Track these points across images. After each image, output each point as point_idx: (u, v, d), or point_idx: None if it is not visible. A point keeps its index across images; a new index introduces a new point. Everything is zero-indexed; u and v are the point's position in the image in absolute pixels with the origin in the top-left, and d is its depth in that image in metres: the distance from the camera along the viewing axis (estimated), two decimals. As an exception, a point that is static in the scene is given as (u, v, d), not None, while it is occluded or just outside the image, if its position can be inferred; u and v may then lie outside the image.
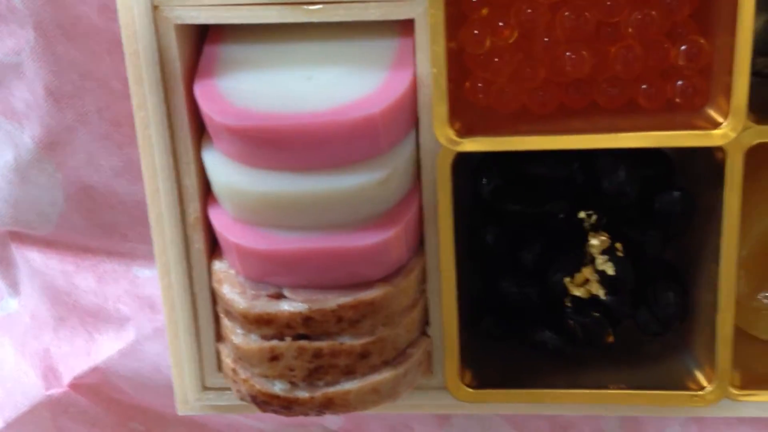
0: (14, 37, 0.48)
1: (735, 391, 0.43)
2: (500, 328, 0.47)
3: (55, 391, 0.56)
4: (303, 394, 0.42)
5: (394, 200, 0.40)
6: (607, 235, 0.44)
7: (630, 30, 0.40)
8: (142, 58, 0.40)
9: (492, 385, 0.45)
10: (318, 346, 0.41)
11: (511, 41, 0.41)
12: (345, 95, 0.39)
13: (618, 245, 0.44)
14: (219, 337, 0.45)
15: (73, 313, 0.56)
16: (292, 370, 0.41)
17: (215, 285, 0.43)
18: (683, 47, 0.40)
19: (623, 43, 0.40)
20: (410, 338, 0.43)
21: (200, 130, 0.42)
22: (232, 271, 0.42)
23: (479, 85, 0.42)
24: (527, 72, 0.41)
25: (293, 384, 0.42)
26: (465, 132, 0.40)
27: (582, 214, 0.44)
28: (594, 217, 0.44)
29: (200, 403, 0.46)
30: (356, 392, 0.42)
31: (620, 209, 0.44)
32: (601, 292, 0.44)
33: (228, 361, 0.44)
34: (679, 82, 0.40)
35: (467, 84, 0.42)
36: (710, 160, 0.40)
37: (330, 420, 0.57)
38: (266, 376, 0.42)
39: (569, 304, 0.45)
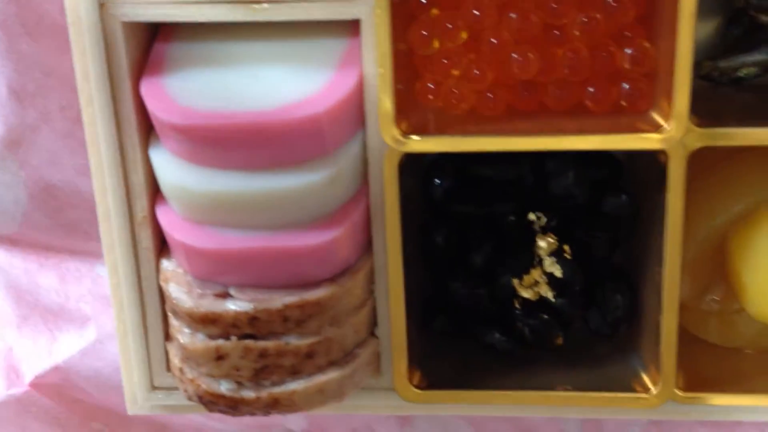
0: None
1: (680, 393, 0.43)
2: (451, 329, 0.47)
3: (16, 390, 0.56)
4: (249, 394, 0.42)
5: (341, 200, 0.41)
6: (555, 237, 0.44)
7: (576, 33, 0.40)
8: (89, 55, 0.40)
9: (442, 386, 0.45)
10: (264, 346, 0.41)
11: (459, 43, 0.41)
12: (291, 94, 0.39)
13: (566, 247, 0.44)
14: (168, 336, 0.44)
15: (35, 311, 0.56)
16: (238, 369, 0.41)
17: (162, 284, 0.43)
18: (628, 51, 0.40)
19: (569, 46, 0.40)
20: (358, 339, 0.43)
21: (148, 128, 0.41)
22: (180, 270, 0.42)
23: (429, 86, 0.42)
24: (476, 73, 0.41)
25: (239, 384, 0.42)
26: (414, 133, 0.41)
27: (532, 216, 0.44)
28: (543, 219, 0.44)
29: (149, 403, 0.46)
30: (302, 392, 0.42)
31: (570, 211, 0.45)
32: (549, 294, 0.45)
33: (176, 360, 0.43)
34: (625, 86, 0.41)
35: (417, 85, 0.43)
36: (655, 164, 0.41)
37: (293, 422, 0.57)
38: (212, 376, 0.42)
39: (518, 306, 0.45)
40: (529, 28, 0.40)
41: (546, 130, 0.40)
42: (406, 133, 0.40)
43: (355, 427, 0.56)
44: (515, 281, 0.44)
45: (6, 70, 0.49)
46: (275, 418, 0.57)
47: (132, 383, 0.46)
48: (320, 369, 0.42)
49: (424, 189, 0.46)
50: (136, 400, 0.46)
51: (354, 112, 0.40)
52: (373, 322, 0.44)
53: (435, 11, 0.41)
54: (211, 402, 0.42)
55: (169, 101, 0.39)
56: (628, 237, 0.45)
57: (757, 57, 0.40)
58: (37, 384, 0.56)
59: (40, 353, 0.56)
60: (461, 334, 0.47)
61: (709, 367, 0.45)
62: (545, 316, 0.45)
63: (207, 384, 0.42)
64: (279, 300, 0.40)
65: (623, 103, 0.41)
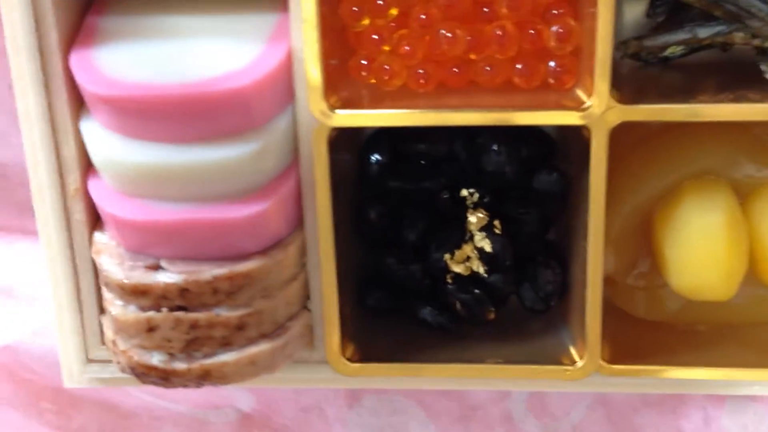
0: None
1: (606, 366, 0.44)
2: (387, 304, 0.48)
3: (-33, 369, 0.56)
4: (180, 365, 0.42)
5: (271, 174, 0.41)
6: (485, 212, 0.45)
7: (504, 10, 0.41)
8: (19, 28, 0.40)
9: (375, 360, 0.46)
10: (194, 318, 0.41)
11: (389, 19, 0.42)
12: (219, 67, 0.39)
13: (496, 222, 0.45)
14: (103, 309, 0.45)
15: (-15, 291, 0.56)
16: (169, 341, 0.42)
17: (94, 256, 0.43)
18: (554, 28, 0.41)
19: (497, 23, 0.41)
20: (290, 311, 0.44)
21: (79, 101, 0.42)
22: (113, 243, 0.43)
23: (362, 62, 0.43)
24: (406, 49, 0.42)
25: (171, 355, 0.42)
26: (345, 108, 0.41)
27: (464, 192, 0.45)
28: (476, 196, 0.45)
29: (85, 376, 0.46)
30: (233, 364, 0.42)
31: (502, 188, 0.45)
32: (481, 270, 0.45)
33: (109, 333, 0.44)
34: (552, 63, 0.41)
35: (351, 61, 0.43)
36: (580, 140, 0.41)
37: (242, 401, 0.57)
38: (144, 348, 0.42)
39: (450, 281, 0.46)
40: (457, 5, 0.41)
41: (472, 106, 0.40)
42: (335, 108, 0.41)
43: (304, 407, 0.57)
44: (447, 256, 0.45)
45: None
46: (225, 398, 0.57)
47: (68, 357, 0.46)
48: (251, 341, 0.42)
49: (359, 165, 0.46)
50: (72, 374, 0.46)
51: (282, 85, 0.40)
52: (306, 296, 0.44)
53: (366, -14, 0.42)
54: (143, 374, 0.43)
55: (97, 73, 0.39)
56: (560, 213, 0.46)
57: (680, 36, 0.41)
58: (-13, 363, 0.56)
59: (-9, 333, 0.56)
60: (397, 310, 0.48)
61: (636, 340, 0.46)
62: (477, 291, 0.46)
63: (139, 356, 0.42)
64: (209, 272, 0.41)
65: (550, 80, 0.42)
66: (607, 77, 0.38)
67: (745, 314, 0.46)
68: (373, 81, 0.43)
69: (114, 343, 0.43)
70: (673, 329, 0.47)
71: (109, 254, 0.42)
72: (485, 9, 0.41)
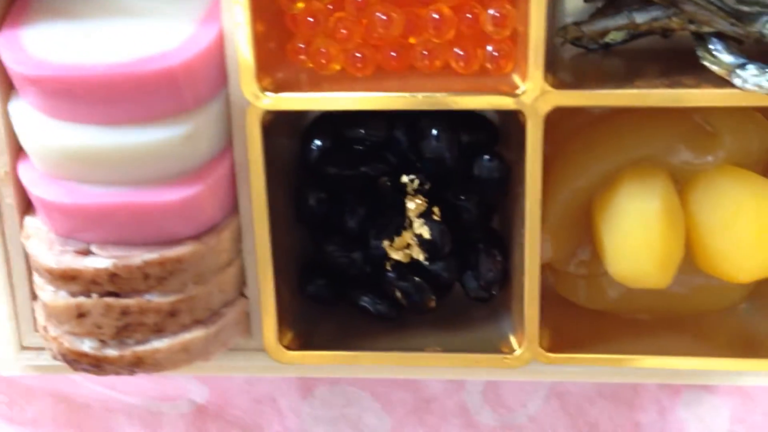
0: None
1: (545, 354, 0.43)
2: (328, 291, 0.47)
3: None
4: (112, 352, 0.41)
5: (204, 157, 0.40)
6: (424, 198, 0.44)
7: (441, -7, 0.40)
8: (-54, 7, 0.39)
9: (315, 348, 0.45)
10: (125, 304, 0.41)
11: (325, 2, 0.41)
12: (149, 48, 0.38)
13: (435, 209, 0.44)
14: (35, 295, 0.44)
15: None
16: (100, 327, 0.41)
17: (24, 240, 0.42)
18: (491, 12, 0.40)
19: (434, 6, 0.41)
20: (225, 298, 0.43)
21: (8, 83, 0.41)
22: (44, 228, 0.42)
23: (300, 45, 0.42)
24: (342, 33, 0.41)
25: (103, 342, 0.41)
26: (281, 91, 0.40)
27: (405, 179, 0.45)
28: (417, 182, 0.45)
29: (19, 364, 0.46)
30: (165, 351, 0.41)
31: (443, 174, 0.45)
32: (422, 257, 0.45)
33: (41, 319, 0.43)
34: (489, 48, 0.41)
35: (288, 45, 0.43)
36: (519, 126, 0.41)
37: (195, 393, 0.57)
38: (75, 334, 0.41)
39: (390, 269, 0.45)
40: (393, -13, 0.40)
41: (407, 90, 0.40)
42: (269, 91, 0.40)
43: (257, 398, 0.57)
44: (386, 243, 0.45)
45: None
46: (178, 389, 0.57)
47: (1, 344, 0.45)
48: (185, 327, 0.42)
49: (300, 151, 0.46)
50: (6, 361, 0.46)
51: (214, 67, 0.39)
52: (243, 282, 0.44)
53: (301, -30, 0.41)
54: (75, 360, 0.42)
55: (24, 53, 0.38)
56: (501, 200, 0.46)
57: (618, 21, 0.41)
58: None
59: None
60: (339, 298, 0.47)
61: (579, 329, 0.46)
62: (417, 279, 0.45)
63: (70, 342, 0.42)
64: (139, 257, 0.40)
65: (488, 65, 0.41)
66: (540, 62, 0.38)
67: (685, 302, 0.46)
68: (311, 65, 0.43)
69: (45, 329, 0.43)
70: (617, 318, 0.47)
71: (39, 239, 0.41)
72: (422, -8, 0.41)
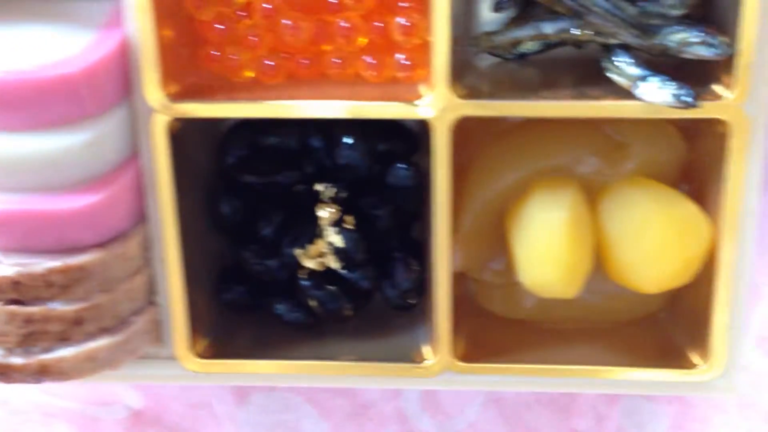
0: None
1: (458, 363, 0.43)
2: (245, 299, 0.47)
3: None
4: (17, 360, 0.41)
5: (108, 165, 0.40)
6: (337, 207, 0.44)
7: (350, 1, 0.40)
8: None
9: (229, 356, 0.45)
10: (29, 312, 0.40)
11: (234, 8, 0.41)
12: (49, 55, 0.38)
13: (348, 218, 0.44)
14: (-56, 302, 0.43)
15: None
16: (5, 335, 0.40)
17: (-73, 247, 0.42)
18: (400, 20, 0.40)
19: (343, 14, 0.40)
20: (134, 306, 0.43)
21: None
22: (-51, 234, 0.41)
23: (212, 52, 0.42)
24: (252, 40, 0.41)
25: (8, 350, 0.41)
26: (191, 98, 0.40)
27: (319, 187, 0.44)
28: (332, 190, 0.44)
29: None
30: (71, 359, 0.41)
31: (358, 182, 0.45)
32: (337, 265, 0.45)
33: (-51, 326, 0.42)
34: (400, 57, 0.41)
35: (200, 52, 0.42)
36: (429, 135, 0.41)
37: (132, 399, 0.56)
38: (-20, 342, 0.41)
39: (305, 277, 0.45)
40: (302, -5, 0.40)
41: (317, 98, 0.40)
42: (176, 98, 0.40)
43: (193, 404, 0.56)
44: (299, 251, 0.44)
45: None
46: (113, 395, 0.56)
47: None
48: (91, 336, 0.41)
49: (216, 158, 0.45)
50: None
51: (117, 74, 0.39)
52: (153, 290, 0.43)
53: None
54: (-19, 368, 0.41)
55: None
56: (417, 209, 0.46)
57: (527, 32, 0.41)
58: None
59: None
60: (256, 306, 0.47)
61: (495, 338, 0.46)
62: (331, 288, 0.45)
63: (-26, 350, 0.41)
64: (42, 264, 0.40)
65: (399, 74, 0.41)
66: (444, 72, 0.38)
67: (602, 312, 0.46)
68: (223, 72, 0.42)
69: (-48, 336, 0.42)
70: (536, 327, 0.47)
71: (-57, 246, 0.41)
72: (332, 0, 0.41)
